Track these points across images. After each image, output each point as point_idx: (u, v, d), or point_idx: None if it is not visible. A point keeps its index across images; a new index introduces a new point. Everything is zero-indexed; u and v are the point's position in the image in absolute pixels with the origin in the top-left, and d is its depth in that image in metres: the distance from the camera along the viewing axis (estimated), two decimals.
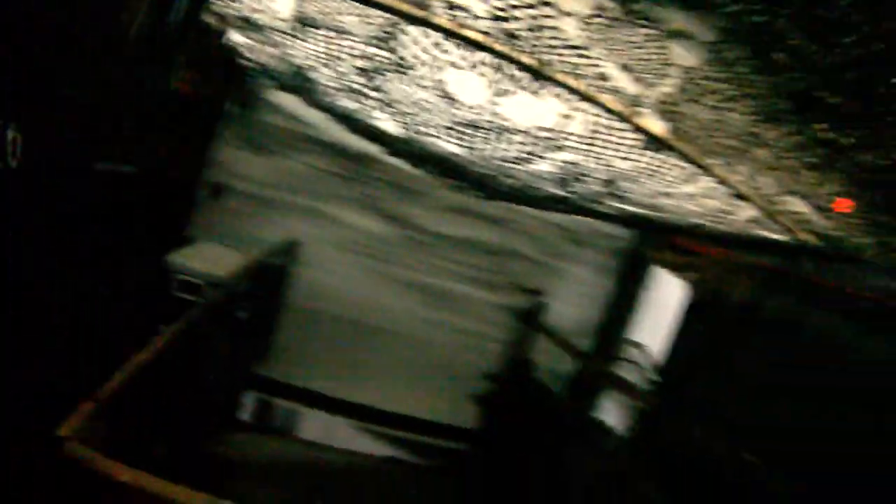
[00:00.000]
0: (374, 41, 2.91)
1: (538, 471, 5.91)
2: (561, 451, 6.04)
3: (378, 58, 3.06)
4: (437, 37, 2.78)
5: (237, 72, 4.83)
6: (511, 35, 2.59)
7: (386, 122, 4.13)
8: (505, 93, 3.07)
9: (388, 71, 3.20)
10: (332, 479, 5.43)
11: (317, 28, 2.89)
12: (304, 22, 2.89)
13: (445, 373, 6.60)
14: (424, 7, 2.66)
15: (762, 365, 5.58)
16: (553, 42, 2.55)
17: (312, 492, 5.01)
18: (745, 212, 4.36)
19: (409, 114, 3.78)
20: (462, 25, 2.66)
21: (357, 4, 2.66)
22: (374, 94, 3.61)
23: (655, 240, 6.81)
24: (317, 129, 5.51)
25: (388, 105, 3.73)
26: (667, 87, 2.82)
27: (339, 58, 3.15)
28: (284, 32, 3.10)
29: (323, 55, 3.15)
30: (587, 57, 2.61)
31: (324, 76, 3.52)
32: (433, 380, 6.56)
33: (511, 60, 2.78)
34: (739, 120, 2.75)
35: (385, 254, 5.96)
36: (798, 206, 3.94)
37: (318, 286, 5.60)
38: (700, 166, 3.62)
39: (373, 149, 5.26)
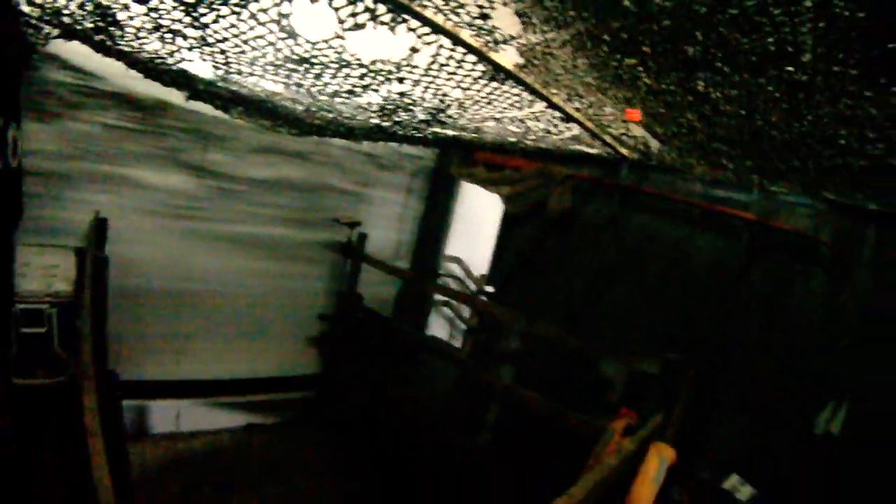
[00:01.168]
0: None
1: (383, 397, 5.93)
2: (402, 373, 6.16)
3: None
4: None
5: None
6: None
7: (197, 64, 3.48)
8: (356, 27, 2.70)
9: (222, 4, 2.62)
10: (200, 465, 5.06)
11: None
12: None
13: (280, 323, 6.19)
14: None
15: (585, 263, 6.07)
16: None
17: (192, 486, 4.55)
18: (570, 131, 4.65)
19: (231, 52, 3.21)
20: None
21: None
22: (194, 32, 2.98)
23: (462, 157, 6.80)
24: (103, 81, 4.40)
25: (208, 44, 3.12)
26: (530, 34, 2.85)
27: None
28: None
29: None
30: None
31: (133, 14, 2.79)
32: (269, 333, 6.09)
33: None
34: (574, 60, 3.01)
35: (196, 211, 5.10)
36: (618, 126, 4.33)
37: (131, 262, 4.60)
38: (539, 95, 3.71)
39: (170, 95, 4.43)
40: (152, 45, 3.22)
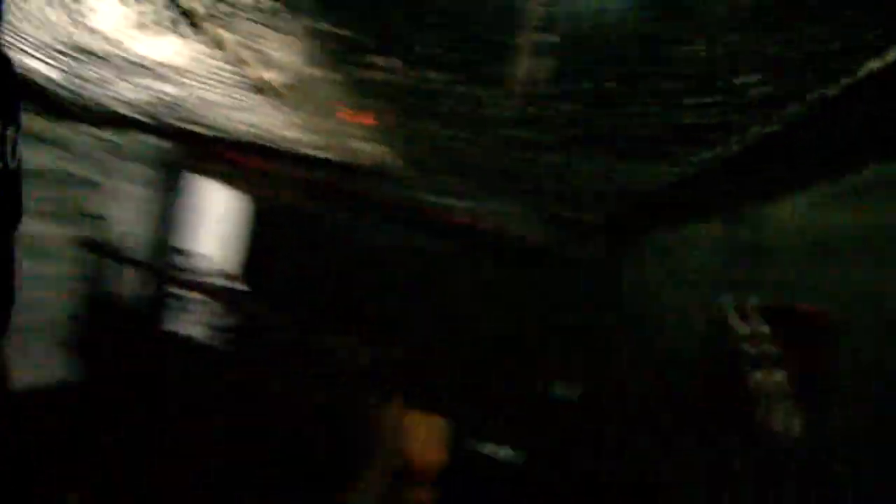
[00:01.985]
0: None
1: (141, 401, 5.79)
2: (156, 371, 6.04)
3: None
4: None
5: None
6: None
7: None
8: (139, 26, 2.95)
9: None
10: None
11: None
12: None
13: (32, 330, 5.52)
14: None
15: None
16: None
17: None
18: (313, 140, 5.19)
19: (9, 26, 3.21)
20: None
21: None
22: None
23: (197, 151, 6.76)
24: None
25: None
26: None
27: None
28: None
29: None
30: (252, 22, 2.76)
31: None
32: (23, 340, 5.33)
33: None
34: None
35: None
36: (351, 136, 4.86)
37: None
38: (291, 107, 4.17)
39: None
40: None
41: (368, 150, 5.27)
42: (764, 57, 1.97)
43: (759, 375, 2.63)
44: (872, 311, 2.23)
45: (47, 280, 5.69)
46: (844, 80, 2.05)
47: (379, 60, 2.89)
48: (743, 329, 2.80)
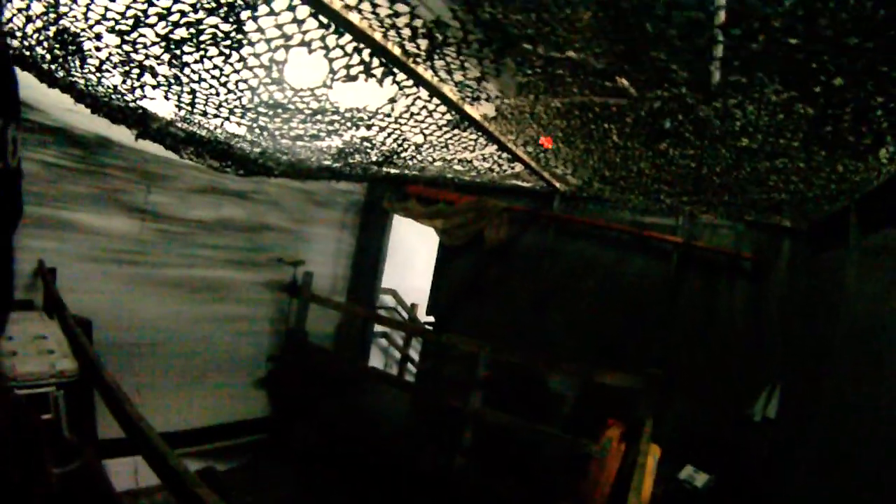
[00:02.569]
0: (217, 7, 2.08)
1: (338, 428, 5.74)
2: (351, 404, 5.97)
3: (208, 28, 2.23)
4: (305, 12, 2.10)
5: None
6: (391, 25, 2.18)
7: (158, 103, 3.13)
8: (348, 79, 2.58)
9: (210, 45, 2.36)
10: None
11: None
12: None
13: (229, 367, 5.70)
14: None
15: (525, 289, 6.19)
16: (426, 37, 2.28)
17: None
18: (513, 169, 4.83)
19: (202, 93, 2.91)
20: (347, 6, 2.10)
21: None
22: (167, 70, 2.67)
23: (394, 191, 6.71)
24: (42, 114, 3.77)
25: (179, 84, 2.81)
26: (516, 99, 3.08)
27: (143, 21, 2.20)
28: None
29: (118, 16, 2.16)
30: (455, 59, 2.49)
31: (102, 45, 2.45)
32: (220, 379, 5.58)
33: (377, 48, 2.39)
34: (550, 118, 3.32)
35: (140, 255, 4.50)
36: (556, 162, 4.51)
37: (79, 313, 3.96)
38: (496, 140, 3.83)
39: (114, 132, 3.95)
40: (113, 79, 2.86)
41: (570, 175, 4.93)
42: None
43: None
44: None
45: (245, 323, 5.80)
46: None
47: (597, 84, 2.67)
48: None
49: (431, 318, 6.73)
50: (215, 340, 5.43)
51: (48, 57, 2.77)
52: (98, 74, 2.78)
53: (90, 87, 3.05)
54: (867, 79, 2.14)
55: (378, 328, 7.25)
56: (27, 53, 2.84)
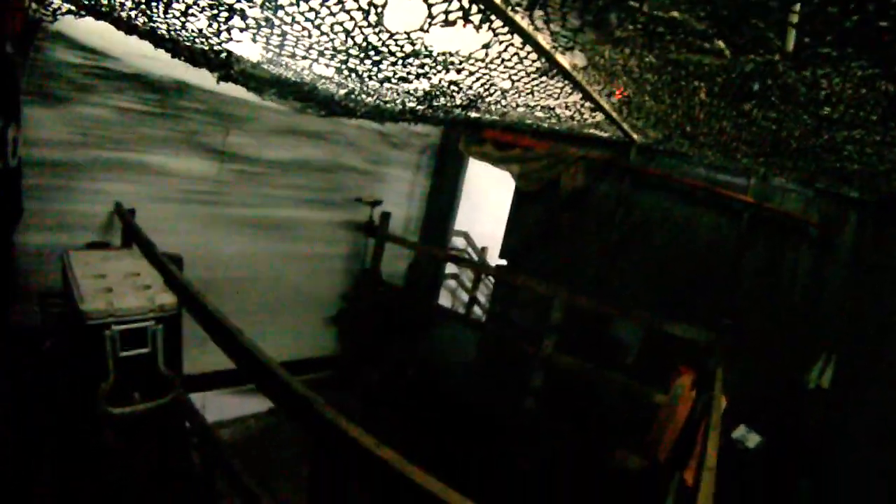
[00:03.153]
0: None
1: (411, 366, 5.80)
2: (424, 343, 6.03)
3: None
4: None
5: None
6: None
7: (245, 45, 2.94)
8: (446, 24, 2.40)
9: None
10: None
11: None
12: None
13: (303, 305, 5.74)
14: None
15: (596, 238, 6.12)
16: None
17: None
18: (594, 119, 4.66)
19: (293, 36, 2.70)
20: None
21: None
22: (257, 12, 2.46)
23: (470, 135, 6.45)
24: (117, 61, 3.65)
25: (270, 26, 2.60)
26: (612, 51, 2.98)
27: None
28: None
29: None
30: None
31: None
32: (293, 316, 5.63)
33: None
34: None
35: (218, 196, 4.48)
36: (639, 114, 4.38)
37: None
38: (582, 89, 3.70)
39: (191, 76, 3.78)
40: (199, 23, 2.67)
41: (651, 129, 4.80)
42: None
43: None
44: None
45: (320, 261, 5.79)
46: None
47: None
48: None
49: (503, 262, 6.61)
50: (291, 278, 5.46)
51: (129, 4, 2.58)
52: (183, 19, 2.59)
53: (172, 33, 2.86)
54: None
55: (449, 270, 7.16)
56: (104, 2, 2.65)
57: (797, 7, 2.02)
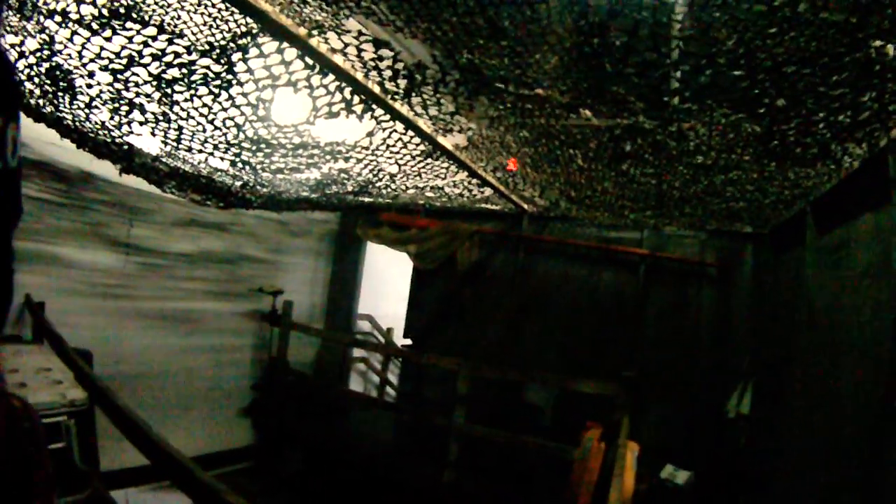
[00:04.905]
0: (210, 49, 2.08)
1: (327, 452, 5.55)
2: (336, 428, 5.85)
3: (200, 68, 2.26)
4: (293, 54, 2.12)
5: None
6: (373, 66, 2.26)
7: (144, 139, 3.09)
8: (330, 115, 2.61)
9: (201, 84, 2.36)
10: None
11: (126, 19, 1.92)
12: (115, 10, 1.89)
13: (214, 398, 5.51)
14: (304, 24, 1.99)
15: (499, 307, 6.19)
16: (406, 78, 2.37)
17: None
18: (483, 193, 4.91)
19: (189, 130, 2.89)
20: (332, 50, 2.18)
21: (223, 3, 1.84)
22: (157, 108, 2.65)
23: (367, 219, 6.59)
24: (24, 148, 3.63)
25: (167, 120, 2.78)
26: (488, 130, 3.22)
27: (138, 61, 2.18)
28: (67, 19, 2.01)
29: (112, 56, 2.13)
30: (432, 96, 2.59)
31: (94, 83, 2.41)
32: (205, 409, 5.38)
33: (358, 87, 2.46)
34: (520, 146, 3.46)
35: (124, 289, 4.33)
36: (524, 185, 4.58)
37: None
38: (467, 167, 3.91)
39: (96, 167, 3.85)
40: (101, 115, 2.82)
41: (538, 197, 5.00)
42: None
43: None
44: None
45: (228, 353, 5.65)
46: None
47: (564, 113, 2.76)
48: None
49: (408, 342, 6.65)
50: (200, 371, 5.27)
51: (37, 92, 2.72)
52: (87, 111, 2.75)
53: (77, 123, 2.99)
54: (808, 98, 2.30)
55: (356, 353, 7.11)
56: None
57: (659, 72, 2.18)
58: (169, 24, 1.91)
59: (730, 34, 1.95)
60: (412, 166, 3.81)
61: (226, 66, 2.17)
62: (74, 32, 1.96)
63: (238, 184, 3.97)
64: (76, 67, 2.26)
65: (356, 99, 2.55)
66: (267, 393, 5.91)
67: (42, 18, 2.04)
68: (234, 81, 2.29)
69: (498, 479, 4.94)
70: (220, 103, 2.49)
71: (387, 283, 7.60)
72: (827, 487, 3.49)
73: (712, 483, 5.07)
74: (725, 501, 5.02)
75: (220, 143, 3.07)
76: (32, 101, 2.88)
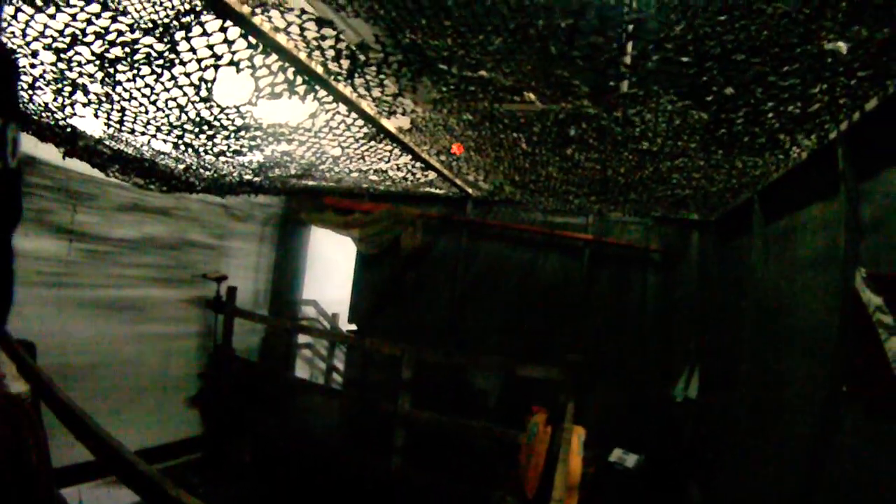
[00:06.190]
0: (153, 27, 2.11)
1: (275, 439, 5.47)
2: (284, 415, 5.77)
3: (143, 48, 2.23)
4: (236, 33, 2.16)
5: None
6: (316, 46, 2.28)
7: (87, 121, 3.05)
8: (273, 96, 2.63)
9: (144, 64, 2.37)
10: None
11: None
12: None
13: (164, 386, 5.33)
14: (247, 1, 2.05)
15: (444, 291, 6.18)
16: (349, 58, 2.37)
17: None
18: (427, 177, 4.89)
19: (132, 111, 2.88)
20: (276, 29, 2.20)
21: None
22: (100, 88, 2.63)
23: (312, 203, 6.48)
24: None
25: (109, 101, 2.77)
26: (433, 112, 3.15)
27: (81, 40, 2.19)
28: None
29: (56, 34, 2.14)
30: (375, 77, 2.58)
31: (37, 62, 2.40)
32: (153, 400, 5.20)
33: (301, 67, 2.47)
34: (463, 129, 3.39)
35: (68, 277, 4.22)
36: (468, 169, 4.60)
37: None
38: (410, 150, 3.91)
39: (39, 151, 3.72)
40: (45, 97, 2.77)
41: (482, 181, 5.00)
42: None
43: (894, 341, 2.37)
44: None
45: (173, 341, 5.48)
46: None
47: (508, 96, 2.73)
48: (876, 300, 2.53)
49: (354, 327, 6.60)
50: (147, 360, 5.13)
51: None
52: (30, 92, 2.69)
53: (20, 105, 2.92)
54: (757, 87, 2.30)
55: (302, 339, 7.05)
56: None
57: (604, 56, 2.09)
58: (113, 1, 1.93)
59: (678, 19, 1.92)
60: (355, 149, 3.81)
61: (169, 45, 2.19)
62: (18, 9, 1.95)
63: (181, 167, 3.95)
64: (20, 46, 2.24)
65: (299, 80, 2.56)
66: (213, 381, 5.78)
67: None
68: (176, 61, 2.31)
69: (446, 464, 4.87)
70: (162, 84, 2.50)
71: (332, 268, 7.54)
72: (776, 471, 3.56)
73: (662, 466, 5.11)
74: (675, 484, 5.05)
75: (163, 124, 3.07)
76: None
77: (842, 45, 1.95)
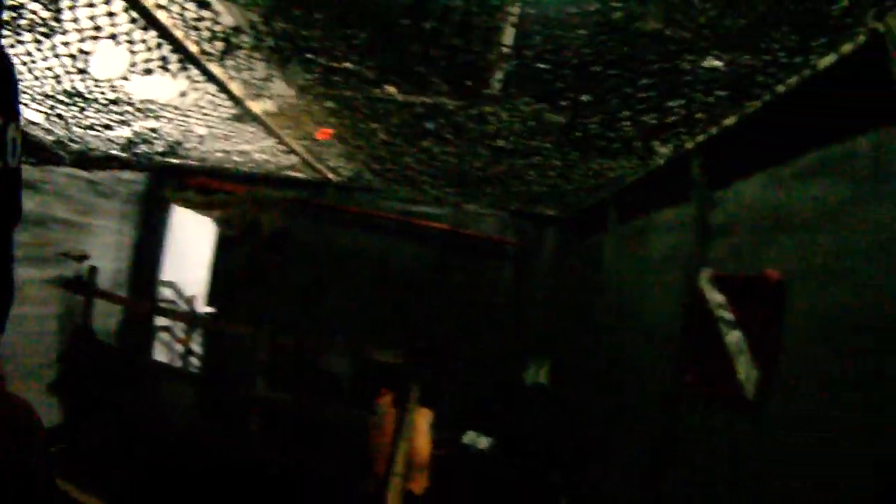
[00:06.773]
0: None
1: (126, 433, 5.25)
2: (143, 400, 5.58)
3: (24, 13, 2.34)
4: (120, 6, 2.34)
5: None
6: (193, 26, 2.48)
7: None
8: (146, 72, 2.83)
9: (27, 30, 2.52)
10: None
11: None
12: None
13: (24, 373, 4.94)
14: None
15: (301, 275, 6.26)
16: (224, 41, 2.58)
17: None
18: (289, 161, 5.10)
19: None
20: (158, 5, 2.38)
21: None
22: None
23: (175, 182, 6.34)
24: None
25: None
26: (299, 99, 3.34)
27: None
28: None
29: None
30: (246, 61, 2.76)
31: None
32: (16, 387, 4.21)
33: (176, 45, 2.63)
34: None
35: None
36: (329, 155, 4.85)
37: None
38: (275, 134, 4.12)
39: None
40: None
41: (342, 167, 5.17)
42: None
43: (733, 335, 2.64)
44: (825, 276, 2.16)
45: (33, 323, 5.18)
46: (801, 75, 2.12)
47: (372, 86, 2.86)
48: (719, 298, 2.80)
49: (212, 309, 6.56)
50: (6, 344, 4.62)
51: None
52: None
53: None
54: (613, 97, 2.41)
55: (161, 322, 6.74)
56: None
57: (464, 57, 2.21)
58: None
59: (538, 30, 2.00)
60: (221, 130, 3.96)
61: (54, 13, 2.40)
62: None
63: (50, 138, 3.98)
64: None
65: (174, 57, 2.74)
66: (72, 366, 5.52)
67: None
68: (58, 29, 2.49)
69: (303, 448, 4.88)
70: (41, 51, 2.63)
71: (192, 250, 7.32)
72: (628, 455, 3.77)
73: (517, 448, 5.31)
74: (533, 467, 5.19)
75: (38, 94, 3.16)
76: None
77: (718, 64, 2.08)
